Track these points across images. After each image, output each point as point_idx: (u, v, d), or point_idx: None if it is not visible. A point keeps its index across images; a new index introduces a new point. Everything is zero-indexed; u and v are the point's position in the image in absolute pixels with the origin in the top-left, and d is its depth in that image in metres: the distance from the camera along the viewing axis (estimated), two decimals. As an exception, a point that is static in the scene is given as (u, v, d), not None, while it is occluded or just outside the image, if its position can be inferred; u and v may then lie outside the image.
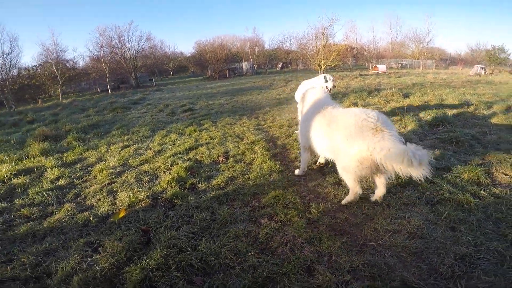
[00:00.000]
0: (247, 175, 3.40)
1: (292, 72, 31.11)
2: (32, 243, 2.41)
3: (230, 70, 32.28)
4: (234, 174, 3.45)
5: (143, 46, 33.35)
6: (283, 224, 2.42)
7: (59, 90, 24.79)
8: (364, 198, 2.70)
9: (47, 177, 3.83)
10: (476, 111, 6.08)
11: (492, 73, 23.84)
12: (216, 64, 30.00)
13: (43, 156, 4.76)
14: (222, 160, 3.94)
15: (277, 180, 3.21)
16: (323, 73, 21.02)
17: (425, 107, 6.77)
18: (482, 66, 25.75)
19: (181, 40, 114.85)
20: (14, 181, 3.72)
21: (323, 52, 21.64)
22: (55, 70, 24.78)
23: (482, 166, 3.18)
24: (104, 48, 28.32)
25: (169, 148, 4.73)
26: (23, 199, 3.22)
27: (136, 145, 5.12)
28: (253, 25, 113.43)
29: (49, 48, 25.95)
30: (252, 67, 35.39)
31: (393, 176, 2.49)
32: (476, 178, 2.89)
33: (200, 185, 3.23)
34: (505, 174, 2.99)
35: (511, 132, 4.54)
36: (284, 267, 1.92)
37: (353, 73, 22.52)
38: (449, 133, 4.38)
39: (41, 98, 23.02)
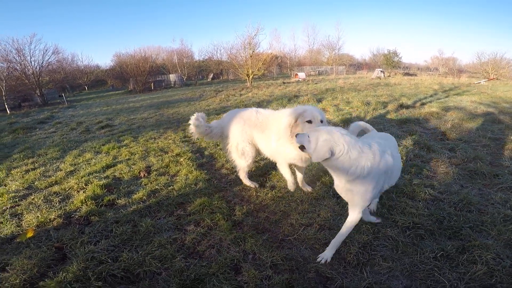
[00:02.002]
0: (171, 187, 3.41)
1: (223, 82, 31.59)
2: None
3: (155, 82, 30.99)
4: (157, 187, 3.42)
5: (50, 60, 29.49)
6: (209, 228, 2.55)
7: None
8: (281, 196, 3.03)
9: None
10: (374, 111, 7.35)
11: (389, 76, 28.14)
12: (139, 76, 28.40)
13: None
14: (144, 175, 3.85)
15: (203, 188, 3.33)
16: (251, 82, 22.04)
17: (337, 109, 7.85)
18: (381, 69, 29.51)
19: (97, 53, 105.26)
20: None
21: (250, 62, 22.65)
22: None
23: None
24: (-2, 63, 24.12)
25: (83, 168, 4.36)
26: None
27: (44, 168, 4.57)
28: (181, 37, 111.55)
29: None
30: (180, 78, 34.65)
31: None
32: None
33: (119, 201, 3.13)
34: None
35: (400, 126, 5.64)
36: (212, 268, 2.04)
37: (277, 81, 24.10)
38: (348, 131, 5.22)
39: None
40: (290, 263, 2.08)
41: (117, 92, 31.04)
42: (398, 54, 42.52)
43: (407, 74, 34.06)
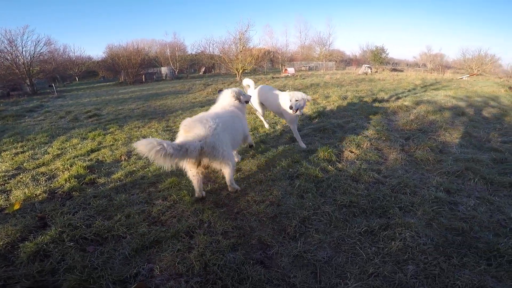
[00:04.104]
0: (147, 169, 3.73)
1: (214, 76, 31.67)
2: None
3: (147, 75, 30.98)
4: (134, 169, 3.76)
5: (41, 51, 29.19)
6: (175, 202, 2.88)
7: None
8: (239, 179, 3.36)
9: None
10: (349, 105, 7.75)
11: (376, 72, 28.36)
12: (131, 68, 28.42)
13: None
14: (125, 159, 4.21)
15: (175, 170, 3.69)
16: (241, 78, 22.25)
17: (314, 103, 8.24)
18: (368, 65, 29.74)
19: (89, 45, 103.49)
20: None
21: (240, 56, 22.86)
22: None
23: (335, 147, 4.21)
24: (-12, 53, 23.87)
25: (69, 152, 4.70)
26: None
27: (32, 151, 4.90)
28: (173, 30, 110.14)
29: None
30: (172, 71, 34.62)
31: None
32: (328, 156, 3.81)
33: (99, 180, 3.48)
34: (352, 152, 4.02)
35: (368, 119, 6.02)
36: (170, 232, 2.35)
37: (267, 76, 24.36)
38: (320, 124, 5.63)
39: None
40: (238, 232, 2.37)
41: (108, 83, 30.90)
42: (385, 50, 43.14)
43: (395, 70, 34.64)
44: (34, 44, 27.86)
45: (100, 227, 2.45)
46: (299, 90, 11.72)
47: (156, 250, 2.20)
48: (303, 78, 19.91)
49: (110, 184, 3.34)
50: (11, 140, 5.70)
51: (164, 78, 32.25)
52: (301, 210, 2.61)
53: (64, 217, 2.61)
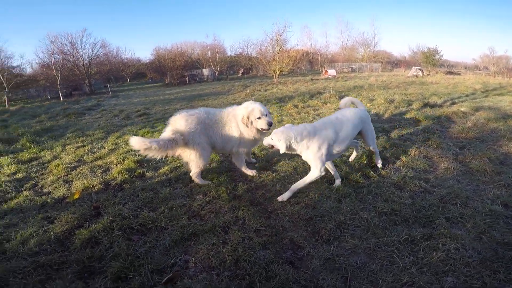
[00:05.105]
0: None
1: (252, 77, 32.18)
2: (-8, 221, 2.72)
3: (190, 76, 32.48)
4: (179, 164, 3.99)
5: (98, 53, 32.38)
6: (213, 198, 3.03)
7: (5, 97, 23.23)
8: (275, 179, 3.41)
9: (4, 172, 4.11)
10: (396, 108, 7.34)
11: (428, 74, 26.33)
12: (175, 70, 30.12)
13: (-4, 156, 4.93)
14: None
15: (216, 168, 3.87)
16: (278, 78, 22.30)
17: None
18: (419, 68, 27.84)
19: (139, 47, 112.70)
20: (-29, 176, 3.92)
21: (277, 58, 22.88)
22: (1, 77, 23.38)
23: (379, 152, 3.96)
24: (55, 55, 27.14)
25: (122, 147, 5.16)
26: (-19, 190, 3.48)
27: (91, 145, 5.48)
28: (214, 32, 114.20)
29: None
30: (213, 73, 35.87)
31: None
32: (371, 162, 3.70)
33: (147, 174, 3.78)
34: (397, 158, 3.83)
35: (417, 124, 5.62)
36: (207, 226, 2.47)
37: (306, 78, 24.08)
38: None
39: (-16, 106, 21.31)
40: (271, 230, 2.41)
41: (155, 84, 33.10)
42: (439, 52, 39.55)
43: (450, 72, 31.69)
44: (92, 46, 31.05)
45: (146, 218, 2.64)
46: (339, 92, 11.45)
47: (193, 242, 2.32)
48: (345, 80, 19.31)
49: (156, 178, 3.60)
50: (74, 135, 6.46)
51: (205, 79, 33.54)
52: (338, 214, 2.56)
53: (115, 207, 2.87)
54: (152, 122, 7.75)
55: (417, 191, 2.99)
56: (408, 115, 6.47)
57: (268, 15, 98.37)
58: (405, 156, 3.90)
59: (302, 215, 2.60)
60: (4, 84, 23.67)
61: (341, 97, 9.78)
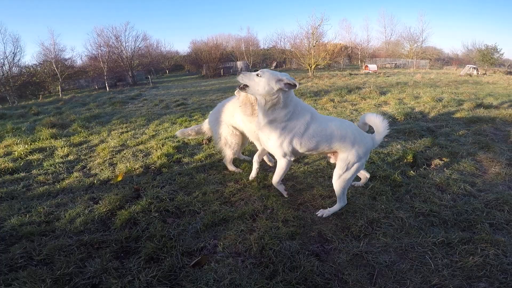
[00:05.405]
0: (224, 153, 4.10)
1: (286, 70, 31.81)
2: (46, 200, 3.02)
3: (225, 69, 33.01)
4: (213, 152, 4.13)
5: (139, 46, 34.16)
6: (244, 186, 3.09)
7: (59, 87, 25.71)
8: (306, 172, 3.37)
9: (58, 154, 4.56)
10: (444, 108, 6.81)
11: (485, 74, 23.87)
12: (211, 63, 30.80)
13: (52, 139, 5.50)
14: (206, 142, 4.66)
15: (248, 155, 3.94)
16: (313, 72, 21.79)
17: (399, 103, 7.53)
18: (474, 66, 25.40)
19: (177, 40, 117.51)
20: (30, 157, 4.43)
21: (313, 52, 22.33)
22: (55, 68, 25.86)
23: (421, 152, 3.84)
24: (101, 47, 29.18)
25: (161, 134, 5.48)
26: (38, 170, 3.91)
27: (134, 131, 5.89)
28: (247, 25, 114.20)
29: (49, 47, 27.17)
30: (246, 66, 36.13)
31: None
32: (412, 160, 3.50)
33: (184, 159, 3.96)
34: (441, 160, 3.60)
35: (467, 125, 5.21)
36: (237, 213, 2.53)
37: (344, 72, 23.24)
38: (405, 125, 5.14)
39: (42, 94, 23.84)
40: (299, 222, 2.40)
41: (192, 76, 34.17)
42: (499, 50, 35.54)
43: (511, 73, 28.42)
44: (134, 39, 32.78)
45: (181, 201, 2.77)
46: (380, 87, 10.87)
47: (222, 228, 2.39)
48: (387, 76, 18.27)
49: (192, 164, 3.77)
50: (118, 122, 7.01)
51: (239, 72, 33.85)
52: (371, 211, 2.50)
53: (154, 190, 3.03)
54: (189, 111, 8.09)
55: (460, 194, 2.80)
56: (457, 115, 5.97)
57: (303, 10, 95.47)
58: (451, 157, 3.65)
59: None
60: (58, 75, 25.81)
61: (381, 93, 9.33)
